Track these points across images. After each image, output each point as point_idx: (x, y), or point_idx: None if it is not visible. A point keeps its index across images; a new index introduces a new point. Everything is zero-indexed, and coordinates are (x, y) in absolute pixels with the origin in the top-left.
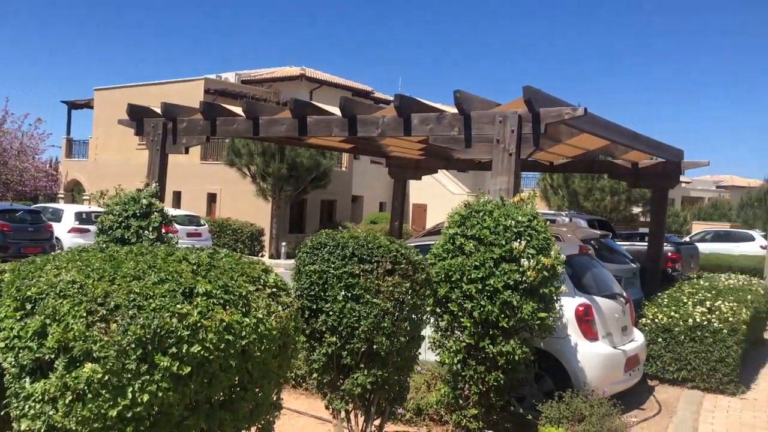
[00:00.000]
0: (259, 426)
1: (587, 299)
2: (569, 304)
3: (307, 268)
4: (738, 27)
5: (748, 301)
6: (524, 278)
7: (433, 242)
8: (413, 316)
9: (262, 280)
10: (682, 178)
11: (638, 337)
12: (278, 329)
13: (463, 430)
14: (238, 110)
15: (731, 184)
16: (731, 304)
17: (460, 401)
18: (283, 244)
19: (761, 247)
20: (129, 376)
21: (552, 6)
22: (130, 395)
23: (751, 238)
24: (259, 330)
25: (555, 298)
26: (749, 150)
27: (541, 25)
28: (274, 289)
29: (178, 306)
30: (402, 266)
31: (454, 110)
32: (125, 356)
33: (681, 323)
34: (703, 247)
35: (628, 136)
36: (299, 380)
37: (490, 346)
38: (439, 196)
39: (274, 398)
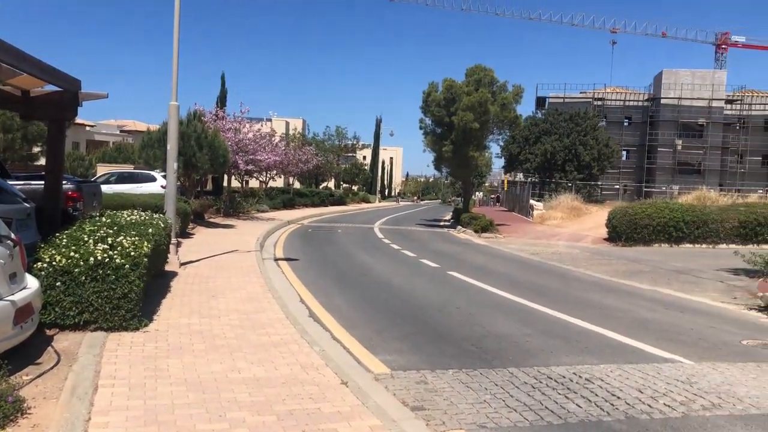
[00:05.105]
0: None
1: None
2: None
3: None
4: None
5: (150, 234)
6: None
7: None
8: None
9: None
10: (86, 121)
11: (32, 284)
12: None
13: None
14: None
15: (134, 129)
16: (133, 238)
17: None
18: None
19: (162, 186)
20: None
21: None
22: None
23: (153, 179)
24: None
25: None
26: (151, 97)
27: None
28: None
29: None
30: None
31: None
32: None
33: (82, 263)
34: (109, 189)
35: (13, 54)
36: None
37: None
38: None
39: None
